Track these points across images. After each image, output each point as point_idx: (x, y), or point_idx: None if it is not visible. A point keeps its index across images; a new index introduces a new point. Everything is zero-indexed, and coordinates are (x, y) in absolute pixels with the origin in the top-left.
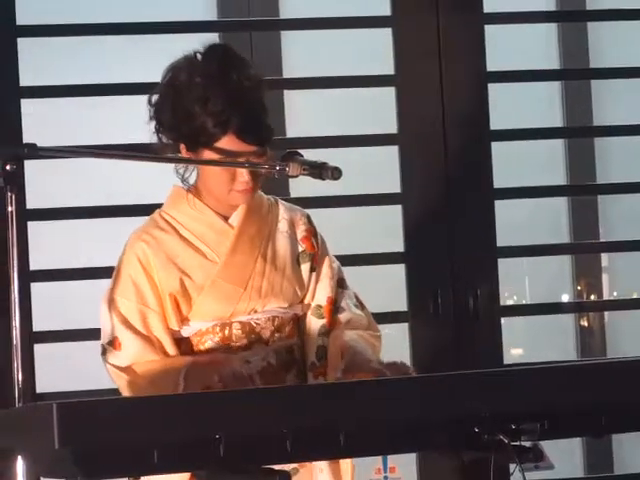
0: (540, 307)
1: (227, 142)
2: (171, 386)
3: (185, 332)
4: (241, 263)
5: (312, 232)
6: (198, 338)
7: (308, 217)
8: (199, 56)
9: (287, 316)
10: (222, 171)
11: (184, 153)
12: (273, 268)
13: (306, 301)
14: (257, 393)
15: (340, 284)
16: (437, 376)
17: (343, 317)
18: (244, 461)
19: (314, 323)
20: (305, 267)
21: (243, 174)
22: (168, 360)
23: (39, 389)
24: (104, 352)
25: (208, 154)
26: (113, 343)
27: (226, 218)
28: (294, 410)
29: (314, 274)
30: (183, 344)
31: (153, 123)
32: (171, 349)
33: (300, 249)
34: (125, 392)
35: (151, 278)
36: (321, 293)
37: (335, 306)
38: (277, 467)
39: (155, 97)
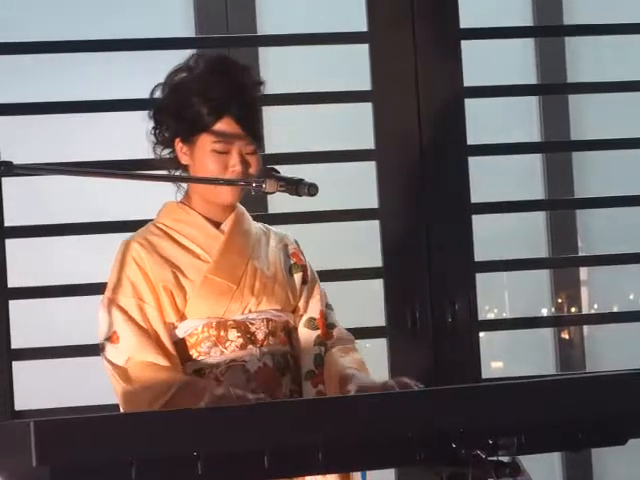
0: (518, 321)
1: (224, 125)
2: (157, 398)
3: (181, 331)
4: (233, 263)
5: (301, 252)
6: (194, 338)
7: (297, 242)
8: (200, 58)
9: (281, 320)
10: (214, 160)
11: (178, 149)
12: (265, 271)
13: (300, 312)
14: (235, 410)
15: (327, 307)
16: (415, 391)
17: (335, 332)
18: (222, 478)
19: (308, 335)
20: (297, 277)
21: (235, 163)
22: (160, 374)
23: (18, 406)
24: (102, 349)
25: (204, 139)
26: (111, 338)
27: (218, 225)
28: (272, 426)
29: (306, 287)
30: (179, 347)
31: (150, 126)
32: (167, 342)
33: (291, 262)
34: (118, 393)
35: (146, 275)
36: (314, 307)
37: (327, 322)
38: None
39: (156, 97)
